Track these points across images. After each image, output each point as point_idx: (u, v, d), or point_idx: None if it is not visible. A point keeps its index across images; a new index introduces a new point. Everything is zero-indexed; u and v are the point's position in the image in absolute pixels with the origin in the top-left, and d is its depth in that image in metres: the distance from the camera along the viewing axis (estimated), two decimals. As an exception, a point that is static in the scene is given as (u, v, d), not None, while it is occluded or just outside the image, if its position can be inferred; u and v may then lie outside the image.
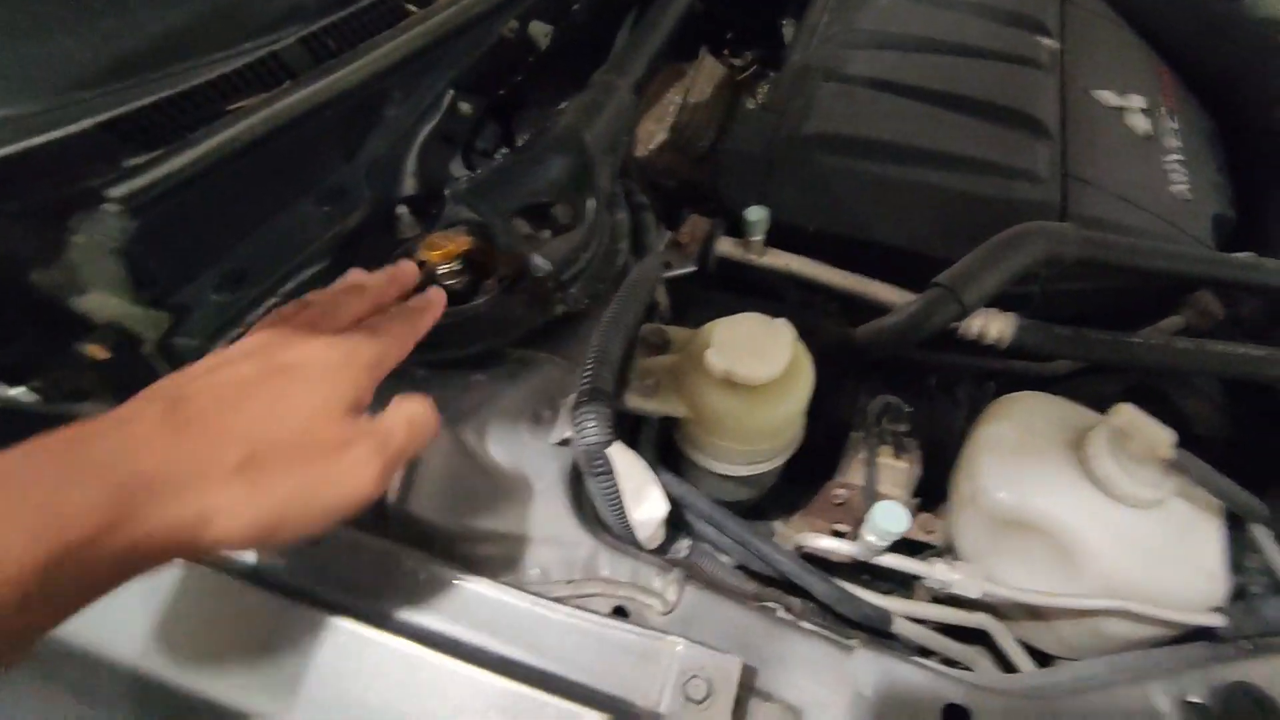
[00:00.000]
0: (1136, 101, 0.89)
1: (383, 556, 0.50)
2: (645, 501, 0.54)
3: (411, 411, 0.41)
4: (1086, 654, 0.65)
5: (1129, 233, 0.75)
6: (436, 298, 0.50)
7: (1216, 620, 0.57)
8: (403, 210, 0.71)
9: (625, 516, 0.53)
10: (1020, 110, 0.80)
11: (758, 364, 0.56)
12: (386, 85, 0.64)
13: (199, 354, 0.56)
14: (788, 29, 1.30)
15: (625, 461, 0.52)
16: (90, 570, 0.30)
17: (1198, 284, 0.76)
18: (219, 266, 0.58)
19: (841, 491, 0.68)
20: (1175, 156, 0.85)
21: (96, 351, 0.54)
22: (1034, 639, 0.67)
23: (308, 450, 0.36)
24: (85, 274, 0.56)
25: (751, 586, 0.61)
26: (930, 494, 0.70)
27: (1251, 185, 0.91)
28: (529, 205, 0.66)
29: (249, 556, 0.50)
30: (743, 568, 0.64)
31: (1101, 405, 0.69)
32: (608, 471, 0.51)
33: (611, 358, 0.54)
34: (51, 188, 0.55)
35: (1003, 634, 0.66)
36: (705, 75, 1.19)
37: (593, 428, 0.51)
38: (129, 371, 0.57)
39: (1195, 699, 0.50)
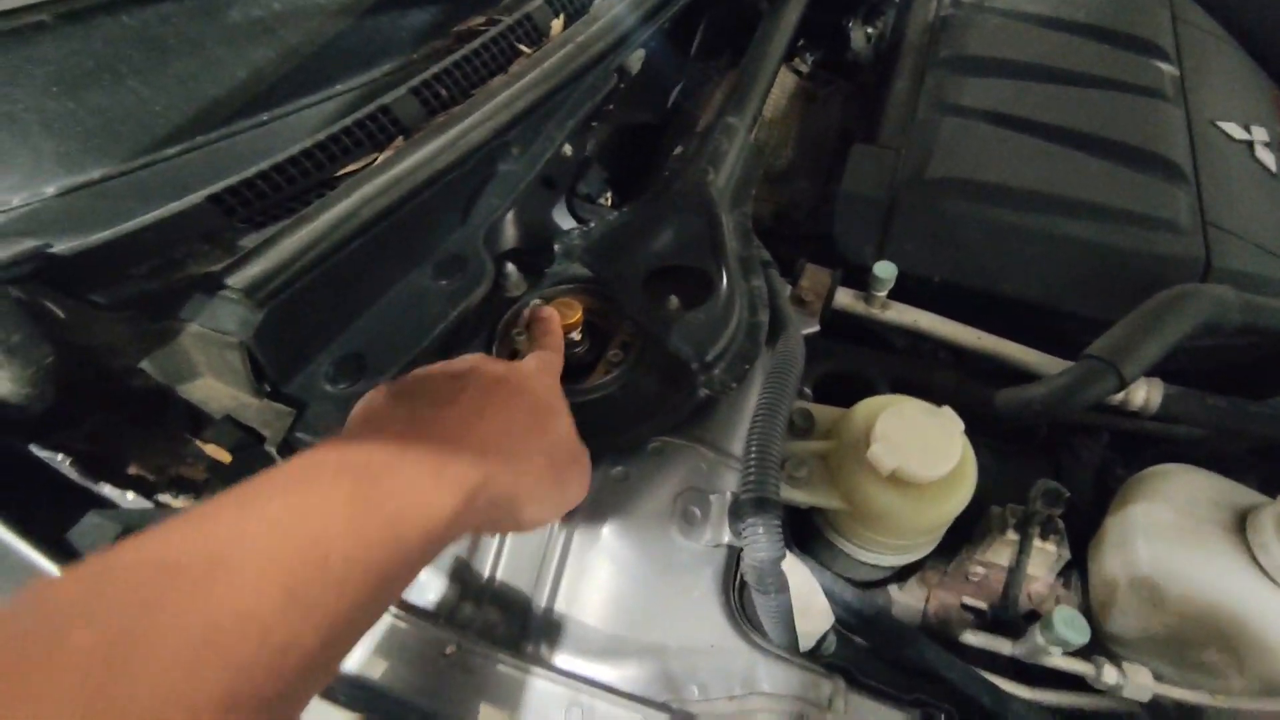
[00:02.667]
0: (1261, 134, 0.84)
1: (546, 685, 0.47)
2: (811, 613, 0.50)
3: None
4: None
5: (1272, 286, 0.71)
6: (547, 314, 0.55)
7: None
8: (511, 268, 0.65)
9: (793, 630, 0.50)
10: (1154, 152, 0.75)
11: (929, 463, 0.51)
12: (507, 140, 0.58)
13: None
14: (855, 31, 1.24)
15: (795, 576, 0.48)
16: (459, 528, 0.35)
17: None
18: (332, 352, 0.53)
19: (980, 569, 0.65)
20: (1308, 191, 0.80)
21: (217, 453, 0.49)
22: (1178, 723, 0.64)
23: (573, 459, 0.46)
24: (198, 361, 0.51)
25: (903, 683, 0.57)
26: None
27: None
28: (655, 269, 0.61)
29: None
30: (879, 653, 0.60)
31: (1230, 468, 0.65)
32: (782, 589, 0.47)
33: (774, 459, 0.50)
34: (156, 272, 0.49)
35: (1148, 723, 0.63)
36: (778, 86, 1.13)
37: (764, 543, 0.47)
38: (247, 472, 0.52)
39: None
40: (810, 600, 0.50)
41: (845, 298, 0.72)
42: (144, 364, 0.51)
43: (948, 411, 0.54)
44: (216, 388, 0.52)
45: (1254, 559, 0.58)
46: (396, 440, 0.35)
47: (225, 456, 0.49)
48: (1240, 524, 0.61)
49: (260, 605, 0.25)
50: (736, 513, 0.50)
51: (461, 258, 0.57)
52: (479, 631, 0.50)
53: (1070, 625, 0.51)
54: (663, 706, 0.48)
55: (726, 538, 0.51)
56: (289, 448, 0.51)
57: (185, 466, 0.56)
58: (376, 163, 0.54)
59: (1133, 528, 0.62)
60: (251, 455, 0.51)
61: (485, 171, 0.60)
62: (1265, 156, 0.82)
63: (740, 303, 0.59)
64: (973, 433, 0.68)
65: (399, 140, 0.57)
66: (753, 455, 0.50)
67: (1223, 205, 0.75)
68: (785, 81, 1.16)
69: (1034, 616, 0.65)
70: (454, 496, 0.34)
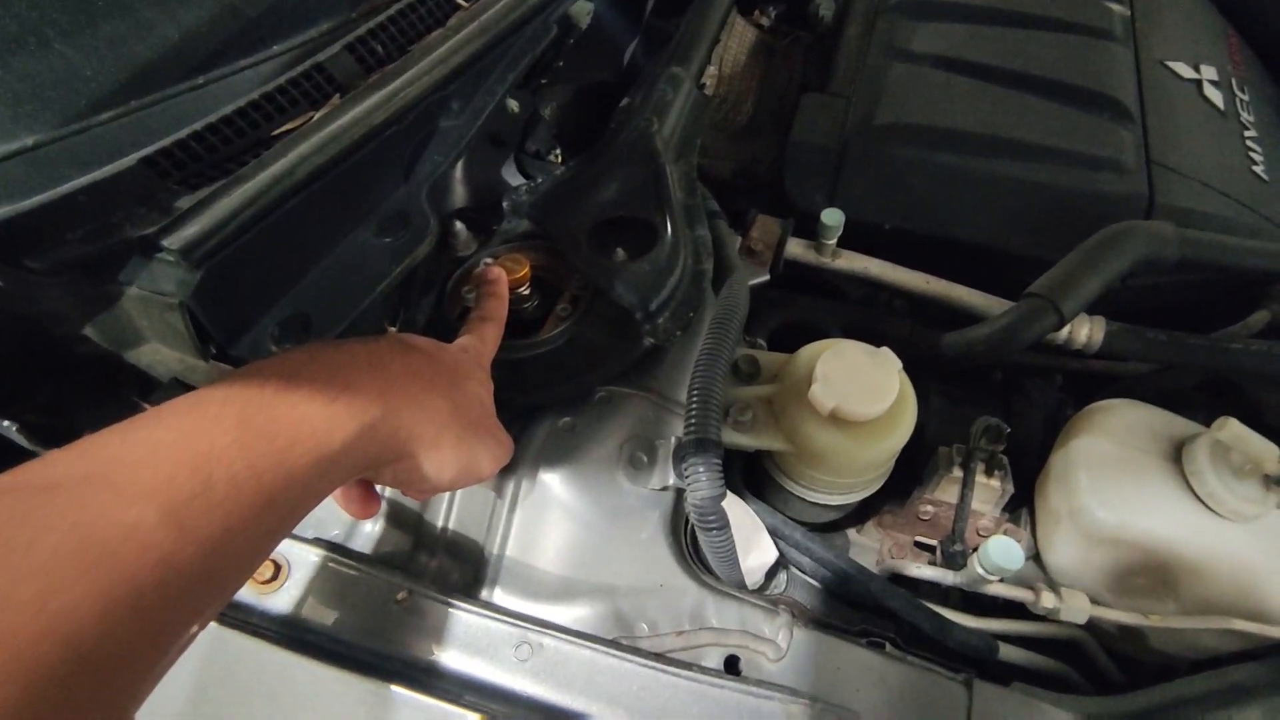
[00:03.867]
0: (1210, 73, 0.85)
1: (480, 620, 0.48)
2: (755, 550, 0.52)
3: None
4: (1175, 661, 0.65)
5: (1215, 222, 0.72)
6: (494, 274, 0.55)
7: (1325, 639, 0.57)
8: (460, 226, 0.66)
9: (738, 567, 0.51)
10: (1100, 92, 0.76)
11: (867, 400, 0.53)
12: (447, 95, 0.58)
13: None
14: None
15: (736, 512, 0.50)
16: (353, 461, 0.36)
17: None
18: (277, 312, 0.53)
19: (929, 508, 0.66)
20: (1251, 133, 0.81)
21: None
22: (1122, 648, 0.67)
23: (485, 428, 0.46)
24: (142, 326, 0.51)
25: (854, 618, 0.59)
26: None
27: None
28: (601, 221, 0.61)
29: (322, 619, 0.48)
30: (830, 590, 0.62)
31: (1175, 402, 0.67)
32: (723, 525, 0.49)
33: (715, 401, 0.51)
34: (92, 236, 0.49)
35: (1095, 648, 0.65)
36: (737, 40, 1.12)
37: (705, 482, 0.48)
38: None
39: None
40: (753, 536, 0.51)
41: (796, 248, 0.73)
42: (88, 330, 0.51)
43: (886, 352, 0.55)
44: (162, 352, 0.53)
45: (1189, 487, 0.61)
46: (290, 373, 0.35)
47: (172, 417, 0.50)
48: (1178, 454, 0.63)
49: (141, 519, 0.25)
50: (679, 454, 0.51)
51: (404, 214, 0.57)
52: (432, 579, 0.52)
53: (1004, 553, 0.53)
54: (611, 642, 0.49)
55: (672, 480, 0.52)
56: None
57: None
58: (312, 121, 0.54)
59: (1074, 460, 0.64)
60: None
61: (426, 128, 0.60)
62: (1213, 95, 0.83)
63: (685, 252, 0.59)
64: (927, 378, 0.70)
65: (335, 98, 0.56)
66: (694, 398, 0.51)
67: (1168, 143, 0.75)
68: (746, 36, 1.15)
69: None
70: (344, 428, 0.34)
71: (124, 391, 0.53)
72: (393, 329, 0.62)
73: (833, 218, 0.68)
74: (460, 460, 0.43)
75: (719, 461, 0.49)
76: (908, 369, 0.56)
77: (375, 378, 0.39)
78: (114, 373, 0.53)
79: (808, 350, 0.58)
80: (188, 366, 0.52)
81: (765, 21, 1.21)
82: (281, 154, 0.52)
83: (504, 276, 0.56)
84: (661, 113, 0.64)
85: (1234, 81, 0.87)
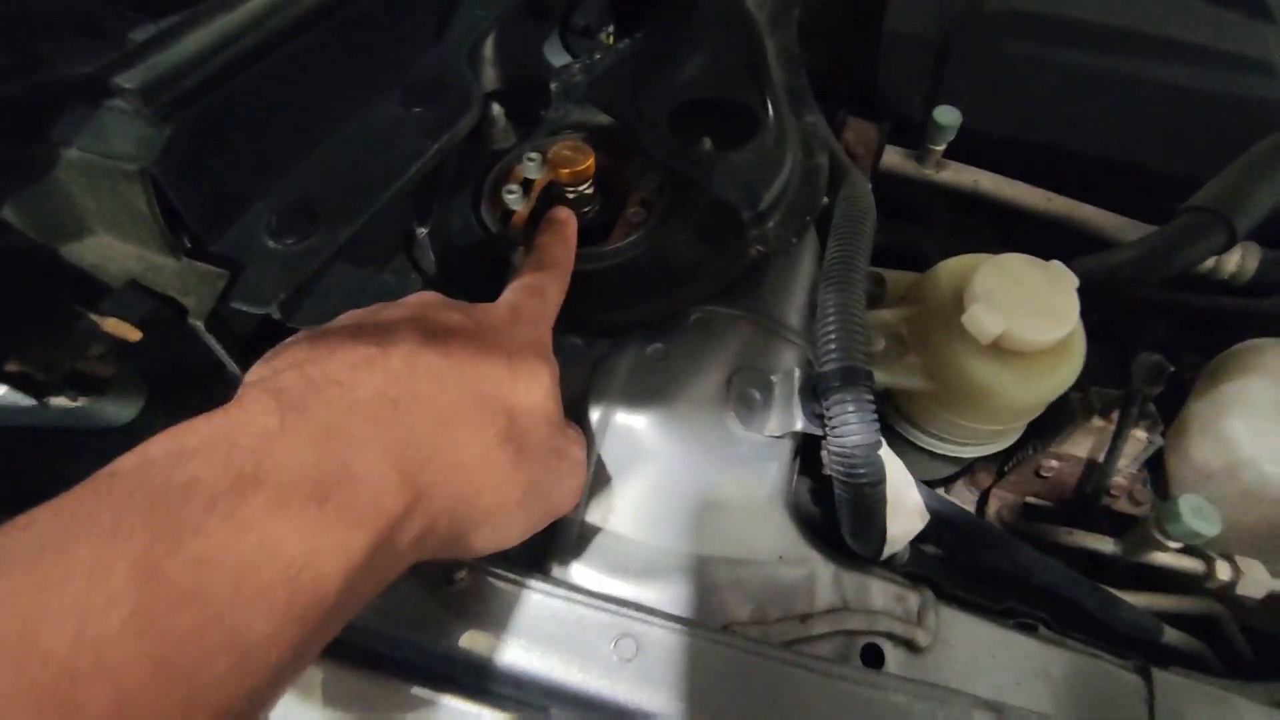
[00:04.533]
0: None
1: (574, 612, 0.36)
2: (903, 513, 0.41)
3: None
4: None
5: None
6: (564, 216, 0.42)
7: None
8: (497, 111, 0.52)
9: (884, 535, 0.40)
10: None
11: (1041, 325, 0.42)
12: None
13: (278, 331, 0.38)
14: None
15: (890, 466, 0.38)
16: (363, 591, 0.25)
17: None
18: (276, 198, 0.40)
19: (1055, 463, 0.56)
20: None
21: (119, 329, 0.36)
22: (1256, 623, 0.58)
23: (555, 449, 0.34)
24: (86, 208, 0.37)
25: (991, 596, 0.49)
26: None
27: None
28: (683, 104, 0.49)
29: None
30: (957, 561, 0.52)
31: None
32: (878, 481, 0.37)
33: (859, 320, 0.39)
34: (10, 73, 0.35)
35: (1233, 625, 0.56)
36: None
37: (856, 423, 0.37)
38: (170, 356, 0.39)
39: None
40: (903, 495, 0.40)
41: (894, 157, 0.61)
42: (6, 213, 0.37)
43: (1057, 265, 0.44)
44: (115, 247, 0.39)
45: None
46: (237, 450, 0.23)
47: (133, 333, 0.36)
48: (1348, 400, 0.54)
49: None
50: (814, 390, 0.39)
51: (440, 80, 0.44)
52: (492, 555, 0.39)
53: (1200, 515, 0.43)
54: (727, 632, 0.38)
55: (800, 424, 0.40)
56: (221, 324, 0.38)
57: (85, 360, 0.43)
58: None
59: (1226, 407, 0.54)
60: (170, 335, 0.38)
61: (464, -27, 0.46)
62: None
63: (793, 141, 0.47)
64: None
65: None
66: (831, 317, 0.39)
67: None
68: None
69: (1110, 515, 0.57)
70: (340, 560, 0.23)
71: (59, 299, 0.39)
72: (422, 230, 0.48)
73: (947, 116, 0.57)
74: (531, 518, 0.33)
75: (871, 397, 0.37)
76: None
77: (391, 434, 0.26)
78: (45, 275, 0.39)
79: (951, 264, 0.46)
80: (150, 266, 0.38)
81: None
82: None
83: (573, 218, 0.43)
84: (753, -30, 0.51)
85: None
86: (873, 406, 0.37)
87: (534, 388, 0.32)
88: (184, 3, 0.37)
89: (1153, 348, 0.65)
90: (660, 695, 0.35)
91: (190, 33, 0.36)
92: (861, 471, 0.37)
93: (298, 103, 0.40)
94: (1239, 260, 0.57)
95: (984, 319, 0.41)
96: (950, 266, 0.46)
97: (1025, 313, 0.42)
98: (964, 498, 0.64)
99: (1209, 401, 0.56)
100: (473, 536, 0.30)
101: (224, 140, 0.37)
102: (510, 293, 0.37)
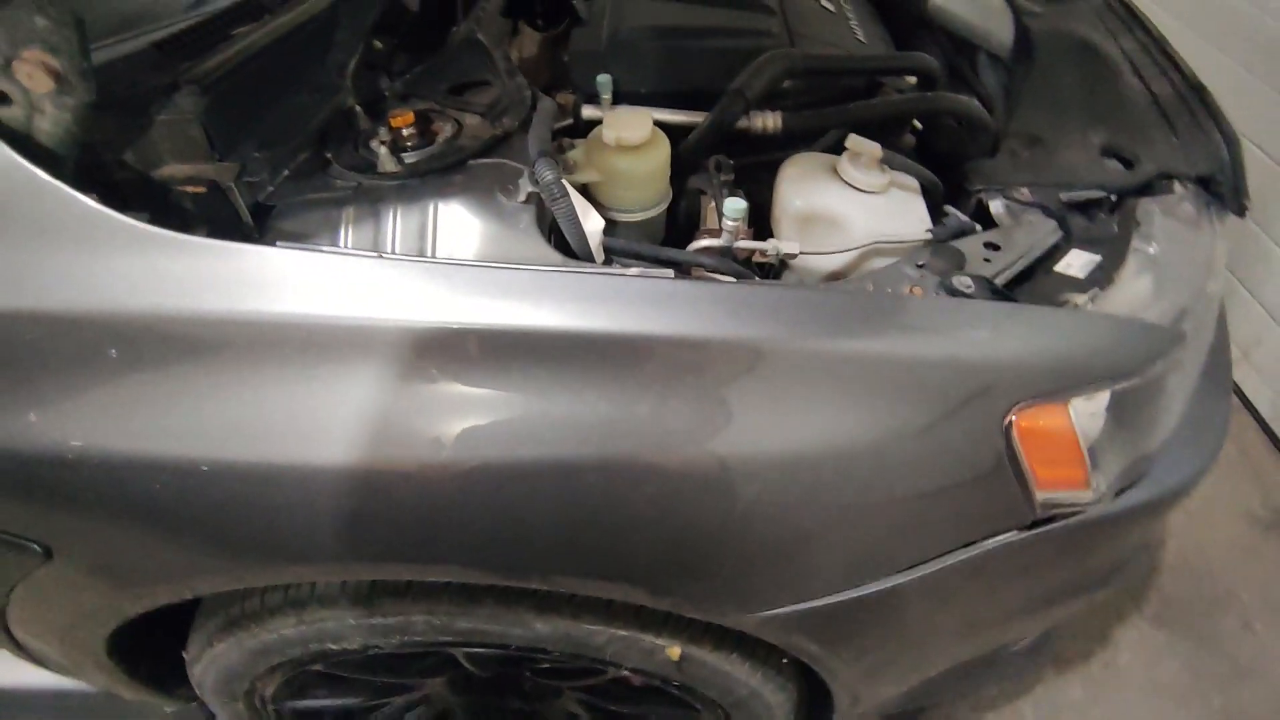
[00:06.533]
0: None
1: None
2: (589, 217, 0.85)
3: None
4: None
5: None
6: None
7: (928, 235, 0.98)
8: (359, 109, 0.98)
9: (582, 231, 0.84)
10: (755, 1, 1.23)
11: (633, 130, 0.90)
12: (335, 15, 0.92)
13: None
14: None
15: (571, 189, 0.84)
16: None
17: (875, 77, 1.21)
18: (255, 136, 0.83)
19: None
20: (853, 20, 1.31)
21: (193, 187, 0.77)
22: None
23: None
24: (163, 149, 0.79)
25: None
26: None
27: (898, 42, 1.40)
28: (455, 85, 0.96)
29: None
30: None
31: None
32: (564, 195, 0.82)
33: (546, 137, 0.85)
34: (124, 88, 0.78)
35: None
36: (527, 41, 1.55)
37: (549, 171, 0.82)
38: (218, 206, 0.80)
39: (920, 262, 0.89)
40: (584, 209, 0.85)
41: (589, 110, 1.11)
42: (128, 157, 0.78)
43: (640, 109, 0.92)
44: (177, 168, 0.80)
45: (843, 179, 1.01)
46: None
47: (200, 189, 0.77)
48: (834, 166, 1.04)
49: None
50: (533, 170, 0.84)
51: (323, 83, 0.89)
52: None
53: (733, 204, 0.90)
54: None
55: (530, 188, 0.85)
56: (239, 192, 0.79)
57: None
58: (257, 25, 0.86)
59: (782, 185, 1.03)
60: (219, 197, 0.79)
61: (328, 33, 0.93)
62: (827, 4, 1.33)
63: (509, 86, 0.95)
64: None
65: (267, 17, 0.89)
66: (534, 138, 0.85)
67: (800, 25, 1.23)
68: (533, 38, 1.57)
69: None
70: None
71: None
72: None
73: (603, 80, 1.07)
74: None
75: (555, 161, 0.83)
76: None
77: None
78: (143, 185, 0.79)
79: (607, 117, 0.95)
80: (199, 170, 0.79)
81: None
82: (253, 32, 0.84)
83: None
84: (480, 17, 1.01)
85: (844, 2, 1.39)
86: (555, 164, 0.82)
87: None
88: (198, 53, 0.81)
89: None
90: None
91: (214, 55, 0.80)
92: (556, 191, 0.82)
93: (262, 93, 0.85)
94: (771, 121, 1.08)
95: (606, 132, 0.89)
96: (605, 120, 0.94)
97: (625, 129, 0.90)
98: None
99: (778, 185, 1.05)
100: None
101: (233, 105, 0.80)
102: None
